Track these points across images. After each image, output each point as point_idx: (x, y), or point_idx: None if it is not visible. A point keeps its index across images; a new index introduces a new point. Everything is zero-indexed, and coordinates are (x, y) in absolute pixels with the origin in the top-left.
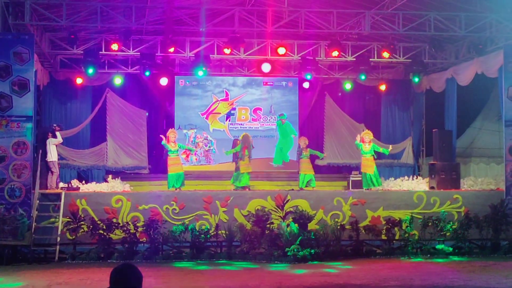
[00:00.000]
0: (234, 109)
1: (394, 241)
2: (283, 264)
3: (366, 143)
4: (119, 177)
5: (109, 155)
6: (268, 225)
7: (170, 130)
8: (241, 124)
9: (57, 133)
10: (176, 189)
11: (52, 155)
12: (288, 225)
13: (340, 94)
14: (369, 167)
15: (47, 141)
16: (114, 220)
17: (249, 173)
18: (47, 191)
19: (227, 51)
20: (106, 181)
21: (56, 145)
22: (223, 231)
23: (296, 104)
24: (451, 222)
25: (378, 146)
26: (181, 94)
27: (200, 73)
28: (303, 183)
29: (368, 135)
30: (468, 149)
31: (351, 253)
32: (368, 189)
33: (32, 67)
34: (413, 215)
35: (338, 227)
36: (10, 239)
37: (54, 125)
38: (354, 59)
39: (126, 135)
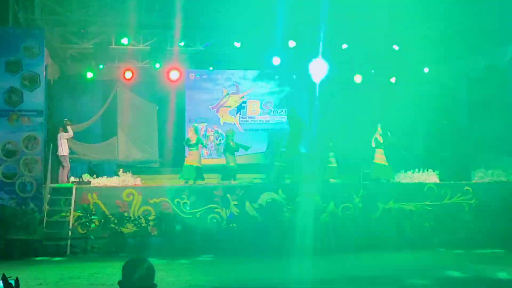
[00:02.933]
0: (244, 102)
1: (405, 233)
2: (294, 256)
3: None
4: (130, 171)
5: (120, 149)
6: (279, 218)
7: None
8: (252, 117)
9: (68, 128)
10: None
11: (63, 150)
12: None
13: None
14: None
15: (58, 136)
16: (126, 214)
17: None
18: (58, 185)
19: (237, 44)
20: (117, 175)
21: (67, 140)
22: (234, 224)
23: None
24: (462, 214)
25: None
26: (192, 87)
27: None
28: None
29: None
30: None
31: (362, 245)
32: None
33: (42, 61)
34: (424, 207)
35: (349, 219)
36: (21, 233)
37: (65, 119)
38: None
39: (137, 129)
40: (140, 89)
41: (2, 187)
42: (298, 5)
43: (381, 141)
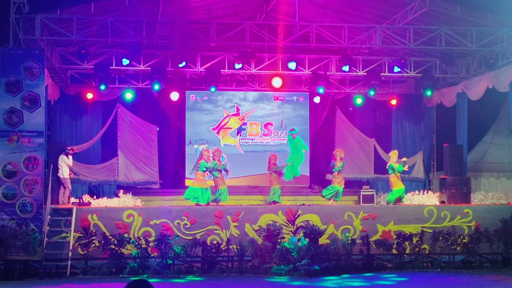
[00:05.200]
0: (245, 124)
1: (404, 255)
2: (294, 278)
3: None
4: (130, 192)
5: (120, 170)
6: (279, 240)
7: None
8: (252, 139)
9: (70, 157)
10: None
11: (64, 173)
12: (299, 240)
13: (351, 108)
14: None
15: (60, 158)
16: (126, 235)
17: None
18: (59, 206)
19: (238, 66)
20: (117, 196)
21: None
22: (234, 246)
23: (307, 119)
24: (461, 236)
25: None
26: (192, 109)
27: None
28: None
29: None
30: (478, 163)
31: (361, 267)
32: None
33: (42, 82)
34: (423, 229)
35: (349, 242)
36: (21, 254)
37: (68, 147)
38: (365, 73)
39: (137, 150)
40: (140, 110)
41: (2, 208)
42: None
43: (396, 166)
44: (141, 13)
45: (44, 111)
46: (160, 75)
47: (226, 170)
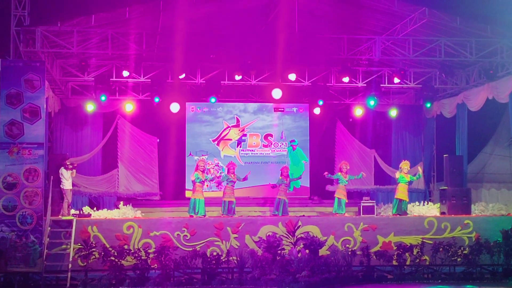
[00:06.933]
0: (245, 135)
1: (405, 267)
2: None
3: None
4: (131, 204)
5: (121, 181)
6: (279, 251)
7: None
8: (252, 150)
9: (68, 171)
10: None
11: (65, 184)
12: (299, 251)
13: (351, 119)
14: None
15: (60, 170)
16: (126, 247)
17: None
18: (59, 217)
19: (238, 77)
20: (117, 207)
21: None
22: (234, 258)
23: (307, 130)
24: (462, 248)
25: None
26: (192, 120)
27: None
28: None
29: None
30: (479, 174)
31: (362, 279)
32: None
33: (43, 94)
34: (424, 240)
35: (349, 253)
36: (21, 266)
37: (68, 162)
38: (365, 84)
39: (137, 161)
40: (141, 122)
41: (2, 220)
42: None
43: (407, 178)
44: (141, 25)
45: (45, 123)
46: (160, 86)
47: (244, 179)
